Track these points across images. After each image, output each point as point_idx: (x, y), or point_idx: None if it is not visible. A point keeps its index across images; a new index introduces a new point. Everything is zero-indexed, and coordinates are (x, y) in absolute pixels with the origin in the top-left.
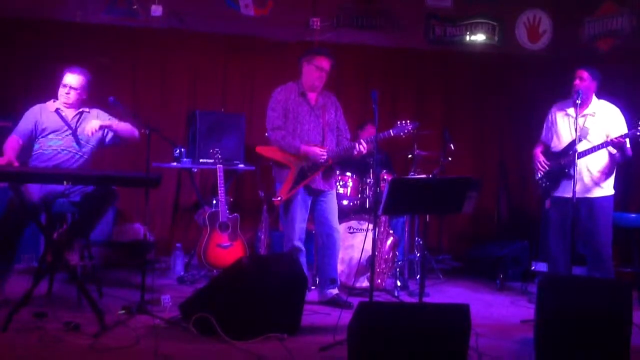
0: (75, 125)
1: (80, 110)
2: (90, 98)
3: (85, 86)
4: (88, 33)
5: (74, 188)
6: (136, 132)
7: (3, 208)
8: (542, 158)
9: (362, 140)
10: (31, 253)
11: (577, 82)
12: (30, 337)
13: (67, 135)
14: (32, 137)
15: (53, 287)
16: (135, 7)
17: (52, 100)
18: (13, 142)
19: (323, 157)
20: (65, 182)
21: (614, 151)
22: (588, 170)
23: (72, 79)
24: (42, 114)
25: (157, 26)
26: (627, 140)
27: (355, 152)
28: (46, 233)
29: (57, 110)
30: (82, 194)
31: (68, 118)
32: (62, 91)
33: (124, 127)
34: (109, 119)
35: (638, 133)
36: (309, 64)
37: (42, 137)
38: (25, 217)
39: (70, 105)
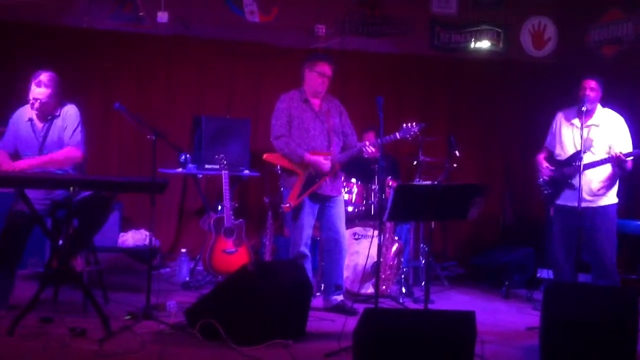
0: (44, 138)
1: (51, 117)
2: (96, 104)
3: (54, 93)
4: (94, 39)
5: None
6: (71, 154)
7: (4, 217)
8: (545, 164)
9: (367, 142)
10: (37, 258)
11: (587, 92)
12: (36, 342)
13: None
14: (17, 151)
15: (59, 292)
16: (141, 13)
17: (29, 104)
18: (1, 156)
19: (327, 166)
20: (72, 189)
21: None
22: (591, 180)
23: (38, 92)
24: (20, 127)
25: (163, 32)
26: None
27: (365, 155)
28: (52, 238)
29: (29, 120)
30: (77, 201)
31: (39, 128)
32: (30, 100)
33: (44, 161)
34: (72, 125)
35: None
36: (311, 70)
37: (25, 156)
38: (29, 223)
39: (40, 115)
